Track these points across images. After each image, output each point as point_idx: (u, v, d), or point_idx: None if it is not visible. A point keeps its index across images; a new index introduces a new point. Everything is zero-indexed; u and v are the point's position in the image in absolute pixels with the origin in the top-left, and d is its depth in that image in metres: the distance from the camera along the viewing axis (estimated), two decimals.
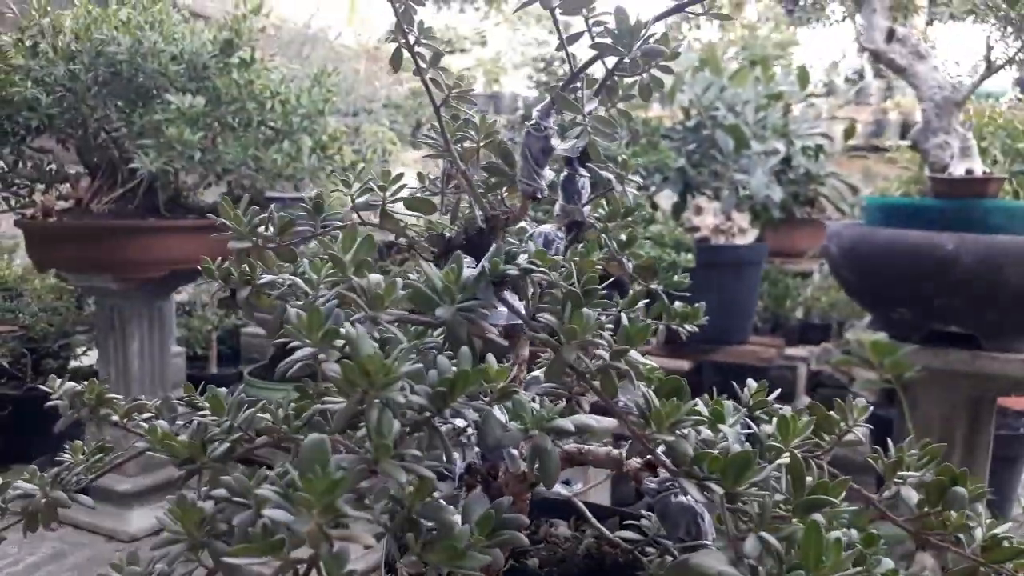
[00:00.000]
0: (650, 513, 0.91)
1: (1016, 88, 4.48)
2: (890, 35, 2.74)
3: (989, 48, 2.69)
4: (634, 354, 0.61)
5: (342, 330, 0.54)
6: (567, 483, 0.97)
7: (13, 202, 3.07)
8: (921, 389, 2.57)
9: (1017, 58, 2.62)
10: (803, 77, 4.36)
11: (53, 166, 3.10)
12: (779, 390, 0.87)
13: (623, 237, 0.95)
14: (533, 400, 0.69)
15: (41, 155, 3.09)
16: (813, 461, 0.63)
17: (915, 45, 2.77)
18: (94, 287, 3.20)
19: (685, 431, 0.59)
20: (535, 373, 0.98)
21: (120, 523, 3.13)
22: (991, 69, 2.71)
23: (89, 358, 3.99)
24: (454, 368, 0.55)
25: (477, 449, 0.94)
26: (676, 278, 0.96)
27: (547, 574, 0.86)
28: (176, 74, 2.88)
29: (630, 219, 0.97)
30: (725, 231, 3.70)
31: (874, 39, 2.72)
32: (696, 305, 1.00)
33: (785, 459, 0.59)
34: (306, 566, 0.44)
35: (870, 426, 0.74)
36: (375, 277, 0.59)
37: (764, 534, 0.51)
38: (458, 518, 0.53)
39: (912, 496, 0.67)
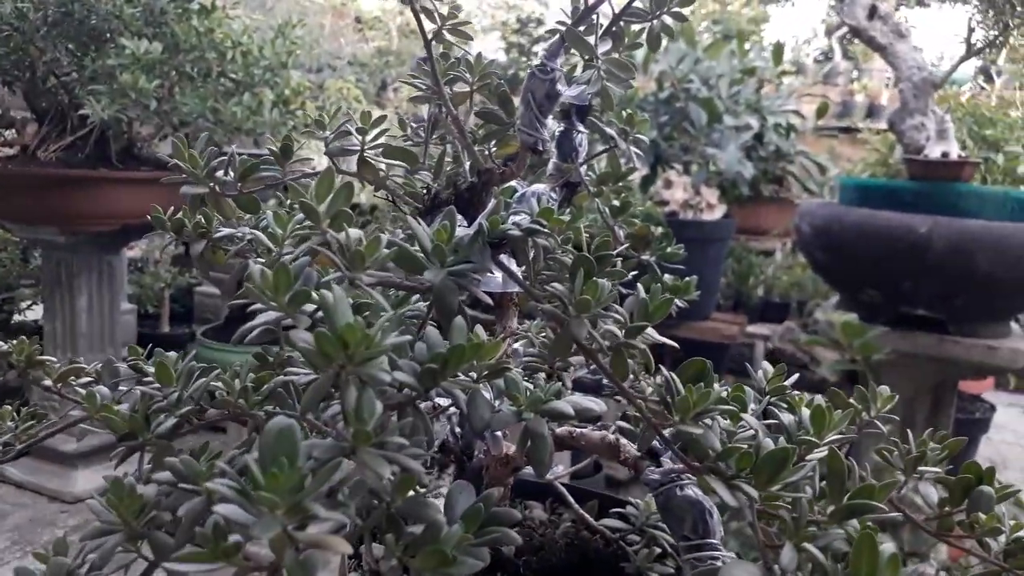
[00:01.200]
0: (636, 501, 0.84)
1: (980, 76, 4.49)
2: (872, 12, 2.69)
3: (970, 30, 2.66)
4: (652, 331, 0.54)
5: (314, 293, 0.46)
6: None
7: None
8: (886, 372, 2.56)
9: (997, 41, 2.58)
10: (777, 53, 4.31)
11: None
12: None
13: (616, 203, 0.88)
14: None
15: None
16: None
17: (896, 24, 2.72)
18: (40, 239, 3.06)
19: (709, 421, 0.52)
20: (515, 346, 0.90)
21: (65, 484, 3.01)
22: (971, 52, 2.68)
23: (34, 313, 3.83)
24: (445, 343, 0.48)
25: (449, 426, 0.86)
26: (670, 249, 0.89)
27: (526, 563, 0.80)
28: (131, 17, 2.73)
29: (623, 183, 0.89)
30: (694, 206, 3.65)
31: (856, 15, 2.67)
32: (687, 279, 0.93)
33: (818, 455, 0.53)
34: (267, 574, 0.36)
35: (895, 416, 0.68)
36: (354, 232, 0.51)
37: (806, 544, 0.45)
38: (443, 516, 0.46)
39: (932, 494, 0.62)
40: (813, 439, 0.57)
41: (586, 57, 0.69)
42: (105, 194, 2.87)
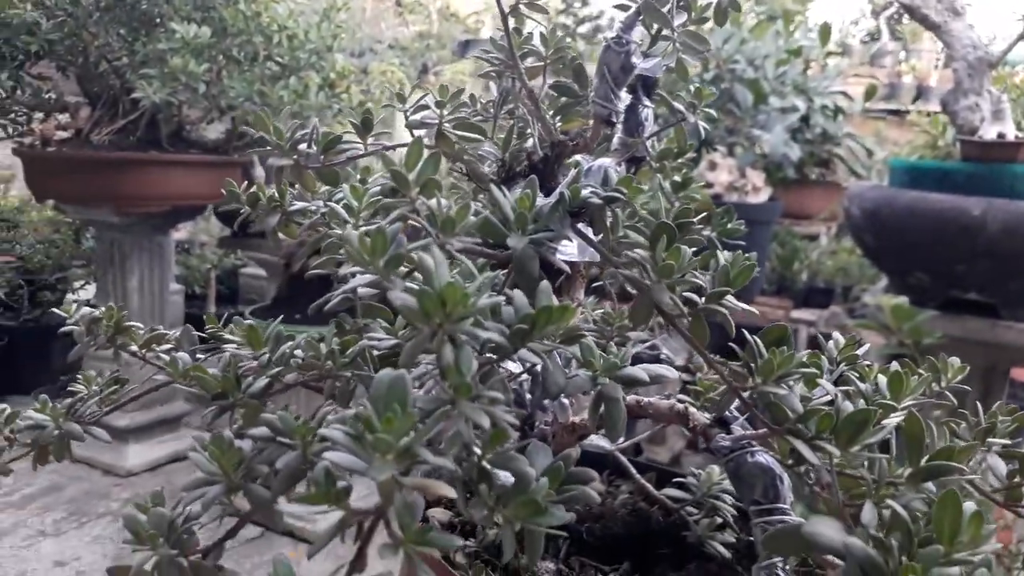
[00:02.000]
0: (699, 472, 0.86)
1: None
2: None
3: None
4: (732, 298, 0.55)
5: (414, 256, 0.47)
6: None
7: (11, 130, 2.98)
8: (935, 357, 2.52)
9: None
10: (824, 33, 4.25)
11: (52, 94, 3.00)
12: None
13: (677, 178, 0.89)
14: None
15: (40, 82, 2.99)
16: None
17: (951, 1, 2.66)
18: (93, 220, 3.13)
19: (791, 384, 0.53)
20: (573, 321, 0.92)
21: (117, 458, 3.10)
22: None
23: (87, 292, 3.92)
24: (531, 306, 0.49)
25: (513, 396, 0.88)
26: (730, 225, 0.89)
27: (588, 530, 0.82)
28: (181, 2, 2.78)
29: (684, 159, 0.90)
30: (739, 188, 3.62)
31: None
32: (747, 255, 0.94)
33: (896, 419, 0.54)
34: (372, 519, 0.38)
35: (967, 387, 0.69)
36: (443, 200, 0.53)
37: (890, 500, 0.45)
38: (532, 469, 0.47)
39: (1001, 465, 0.62)
40: (891, 403, 0.57)
41: (655, 30, 0.70)
42: (155, 176, 2.93)
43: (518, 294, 0.50)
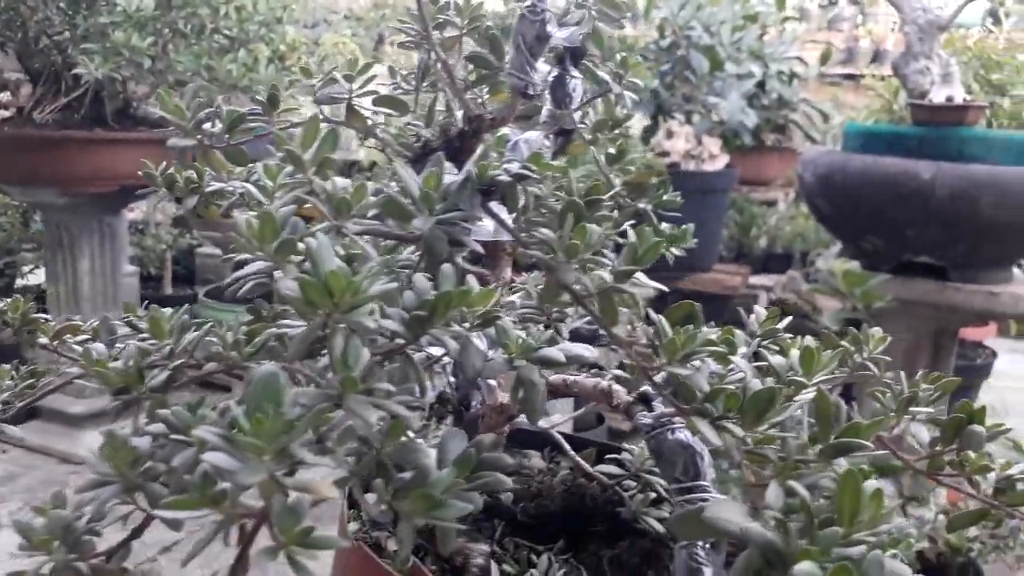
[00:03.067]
0: (631, 447, 0.85)
1: (987, 18, 4.41)
2: None
3: None
4: (641, 276, 0.53)
5: (300, 242, 0.45)
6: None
7: None
8: (887, 320, 2.56)
9: None
10: None
11: None
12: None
13: (612, 150, 0.87)
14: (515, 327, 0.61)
15: None
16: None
17: None
18: (40, 202, 3.05)
19: (698, 363, 0.52)
20: (510, 298, 0.90)
21: (73, 445, 3.05)
22: None
23: (37, 276, 3.83)
24: (433, 291, 0.47)
25: (447, 378, 0.87)
26: (667, 197, 0.88)
27: (523, 509, 0.81)
28: None
29: (619, 130, 0.88)
30: (696, 156, 3.62)
31: None
32: (684, 227, 0.93)
33: (807, 395, 0.53)
34: (254, 522, 0.37)
35: (888, 357, 0.69)
36: (340, 180, 0.51)
37: (791, 481, 0.45)
38: (433, 460, 0.46)
39: (924, 433, 0.62)
40: (802, 380, 0.57)
41: None
42: (102, 155, 2.86)
43: (419, 278, 0.48)
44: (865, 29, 7.21)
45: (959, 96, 2.50)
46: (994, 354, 3.80)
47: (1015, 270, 2.66)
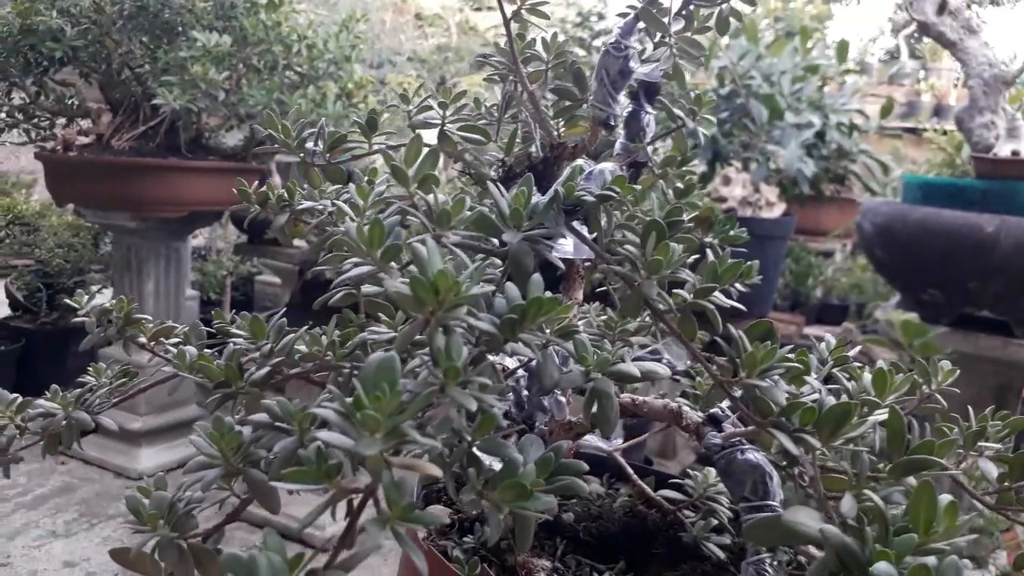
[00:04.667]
0: (696, 473, 0.86)
1: None
2: (941, 7, 2.65)
3: None
4: (719, 294, 0.56)
5: (406, 248, 0.49)
6: (605, 437, 0.93)
7: (34, 135, 3.04)
8: None
9: None
10: (842, 50, 4.25)
11: (75, 100, 3.06)
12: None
13: (680, 185, 0.90)
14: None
15: (64, 88, 3.05)
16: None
17: (967, 19, 2.67)
18: (112, 224, 3.18)
19: (776, 378, 0.54)
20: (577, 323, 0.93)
21: (129, 460, 3.13)
22: None
23: (104, 297, 3.96)
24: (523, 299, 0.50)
25: (513, 398, 0.90)
26: (733, 232, 0.90)
27: (584, 529, 0.83)
28: (203, 11, 2.83)
29: (687, 167, 0.91)
30: (752, 203, 3.63)
31: (924, 10, 2.63)
32: (748, 263, 0.95)
33: (880, 415, 0.54)
34: (362, 496, 0.40)
35: (956, 389, 0.69)
36: (441, 196, 0.55)
37: (867, 491, 0.46)
38: (519, 454, 0.49)
39: (992, 469, 0.62)
40: (875, 399, 0.58)
41: (657, 37, 0.71)
42: (174, 182, 2.97)
43: (510, 286, 0.51)
44: (927, 84, 7.17)
45: None
46: None
47: None
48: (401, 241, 0.52)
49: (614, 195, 0.59)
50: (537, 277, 0.53)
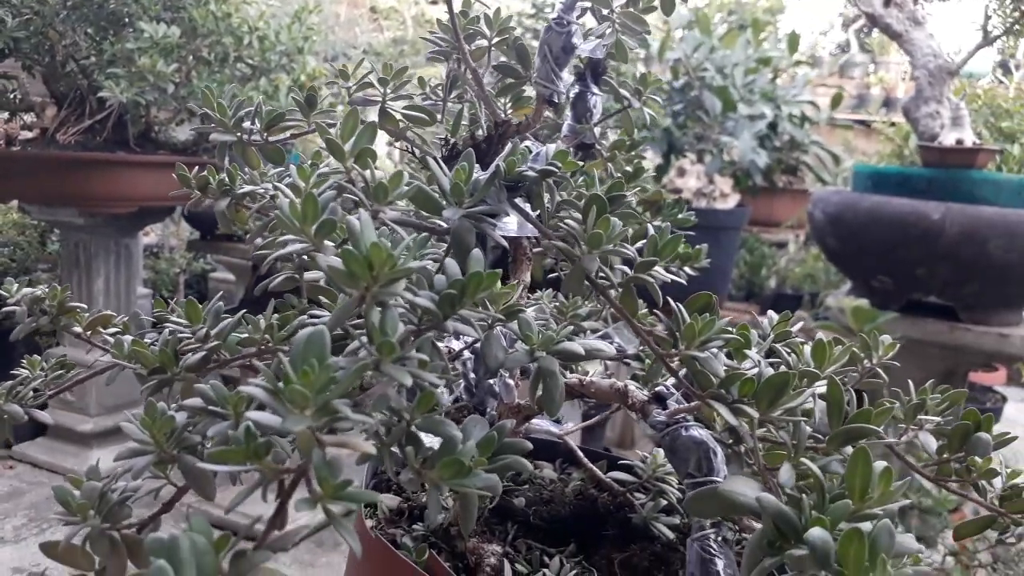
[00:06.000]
0: (646, 455, 0.87)
1: (997, 69, 4.47)
2: (888, 0, 2.69)
3: (987, 18, 2.65)
4: (660, 269, 0.55)
5: (341, 222, 0.48)
6: (557, 421, 0.93)
7: None
8: (896, 359, 2.56)
9: (1015, 28, 2.58)
10: (793, 42, 4.31)
11: (18, 94, 2.97)
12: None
13: (629, 169, 0.90)
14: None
15: (5, 81, 2.96)
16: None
17: (912, 11, 2.72)
18: (59, 221, 3.10)
19: (715, 350, 0.54)
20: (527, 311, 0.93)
21: (80, 463, 3.06)
22: (987, 39, 2.67)
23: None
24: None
25: (463, 383, 0.89)
26: (681, 215, 0.90)
27: (535, 513, 0.82)
28: (150, 2, 2.77)
29: (636, 151, 0.91)
30: (707, 194, 3.66)
31: (872, 2, 2.67)
32: (697, 247, 0.95)
33: (820, 387, 0.55)
34: (293, 476, 0.39)
35: (897, 363, 0.70)
36: (378, 171, 0.53)
37: (805, 460, 0.46)
38: (460, 433, 0.48)
39: (931, 441, 0.63)
40: (814, 370, 0.59)
41: (601, 12, 0.71)
42: (122, 177, 2.91)
43: (450, 262, 0.50)
44: (876, 77, 7.30)
45: (969, 139, 2.53)
46: (1004, 399, 3.78)
47: None
48: (336, 217, 0.51)
49: (556, 170, 0.58)
50: (477, 252, 0.52)
